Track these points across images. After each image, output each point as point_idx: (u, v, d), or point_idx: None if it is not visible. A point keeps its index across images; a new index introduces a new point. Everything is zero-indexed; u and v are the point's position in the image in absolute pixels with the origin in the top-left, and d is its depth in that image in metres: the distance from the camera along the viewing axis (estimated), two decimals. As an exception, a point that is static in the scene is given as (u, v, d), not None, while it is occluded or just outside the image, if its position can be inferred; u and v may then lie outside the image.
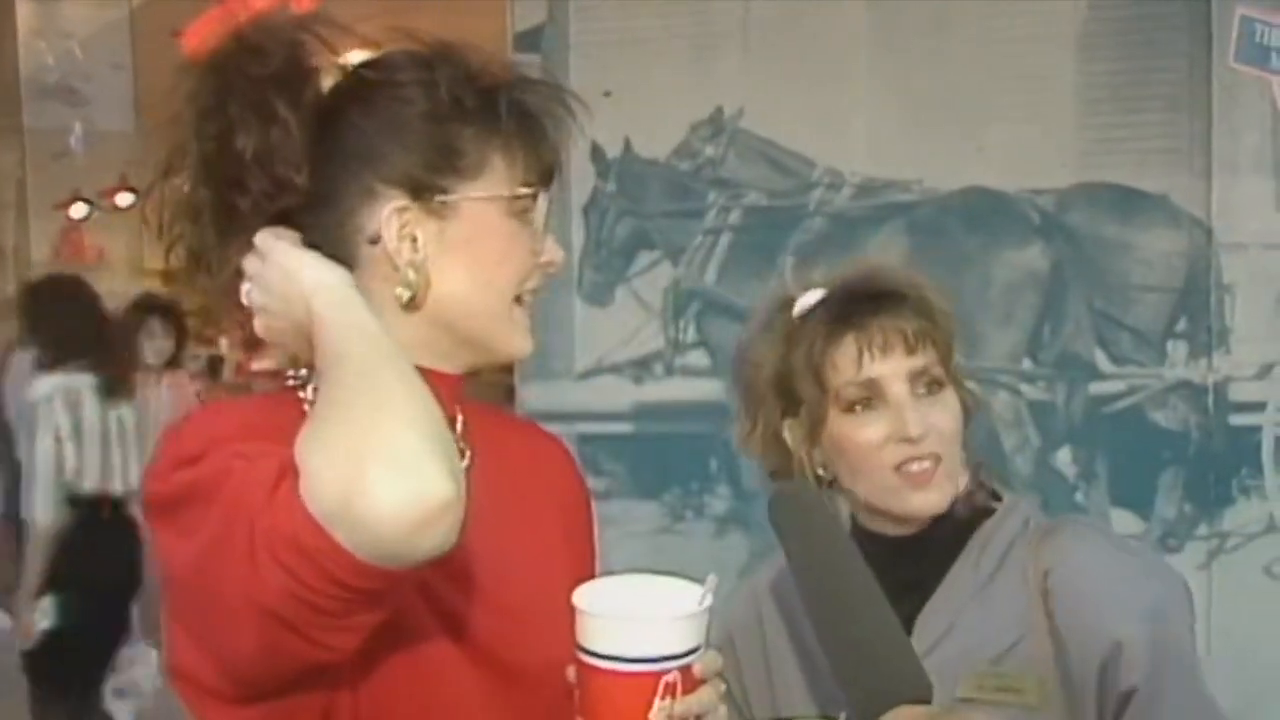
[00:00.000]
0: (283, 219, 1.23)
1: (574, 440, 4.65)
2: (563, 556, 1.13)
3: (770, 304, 1.59)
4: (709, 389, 4.61)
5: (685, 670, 1.06)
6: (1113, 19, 4.29)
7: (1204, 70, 4.20)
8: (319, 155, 1.22)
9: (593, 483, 4.61)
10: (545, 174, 1.26)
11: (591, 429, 4.68)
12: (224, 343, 10.26)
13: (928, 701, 1.25)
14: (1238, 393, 4.30)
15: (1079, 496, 4.40)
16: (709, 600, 1.09)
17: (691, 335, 4.60)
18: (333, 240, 1.23)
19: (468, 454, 1.29)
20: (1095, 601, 1.47)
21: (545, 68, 4.55)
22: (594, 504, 1.45)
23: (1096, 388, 4.39)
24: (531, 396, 4.70)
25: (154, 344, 6.36)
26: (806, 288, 1.57)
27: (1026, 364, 4.43)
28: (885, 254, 4.43)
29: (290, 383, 1.26)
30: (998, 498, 1.59)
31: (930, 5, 4.40)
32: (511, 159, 1.24)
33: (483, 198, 1.24)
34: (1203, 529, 4.31)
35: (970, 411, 1.57)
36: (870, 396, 1.50)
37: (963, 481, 1.55)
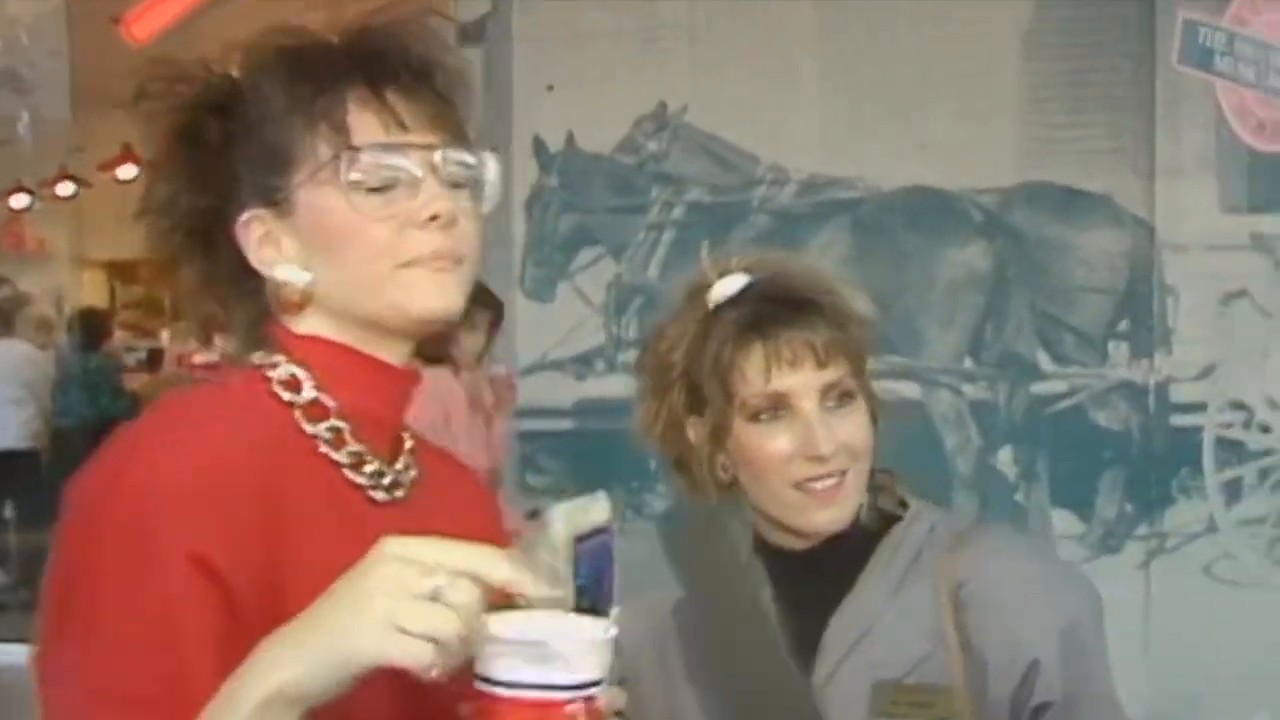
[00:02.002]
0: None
1: (514, 436, 4.62)
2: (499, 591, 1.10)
3: (686, 289, 1.54)
4: (651, 386, 4.57)
5: (589, 701, 1.02)
6: (1057, 20, 4.29)
7: (1148, 71, 4.20)
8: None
9: (533, 479, 4.62)
10: (390, 128, 1.18)
11: (532, 425, 4.64)
12: (165, 335, 10.16)
13: None
14: (1179, 394, 4.31)
15: (1019, 496, 4.40)
16: (614, 630, 1.05)
17: (633, 332, 4.56)
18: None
19: (413, 471, 1.26)
20: (1011, 618, 1.44)
21: (487, 60, 4.51)
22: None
23: (1038, 388, 4.39)
24: (471, 392, 4.65)
25: None
26: (723, 274, 1.51)
27: (968, 363, 4.42)
28: (828, 251, 4.43)
29: (258, 365, 1.22)
30: (905, 505, 1.55)
31: (877, 3, 4.39)
32: (330, 129, 1.18)
33: (305, 182, 1.19)
34: (1143, 529, 4.32)
35: (878, 420, 1.53)
36: (778, 408, 1.46)
37: (868, 493, 1.52)
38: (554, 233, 4.63)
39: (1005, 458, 4.41)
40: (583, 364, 4.57)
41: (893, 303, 4.40)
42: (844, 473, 1.46)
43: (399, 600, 0.97)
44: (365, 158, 1.16)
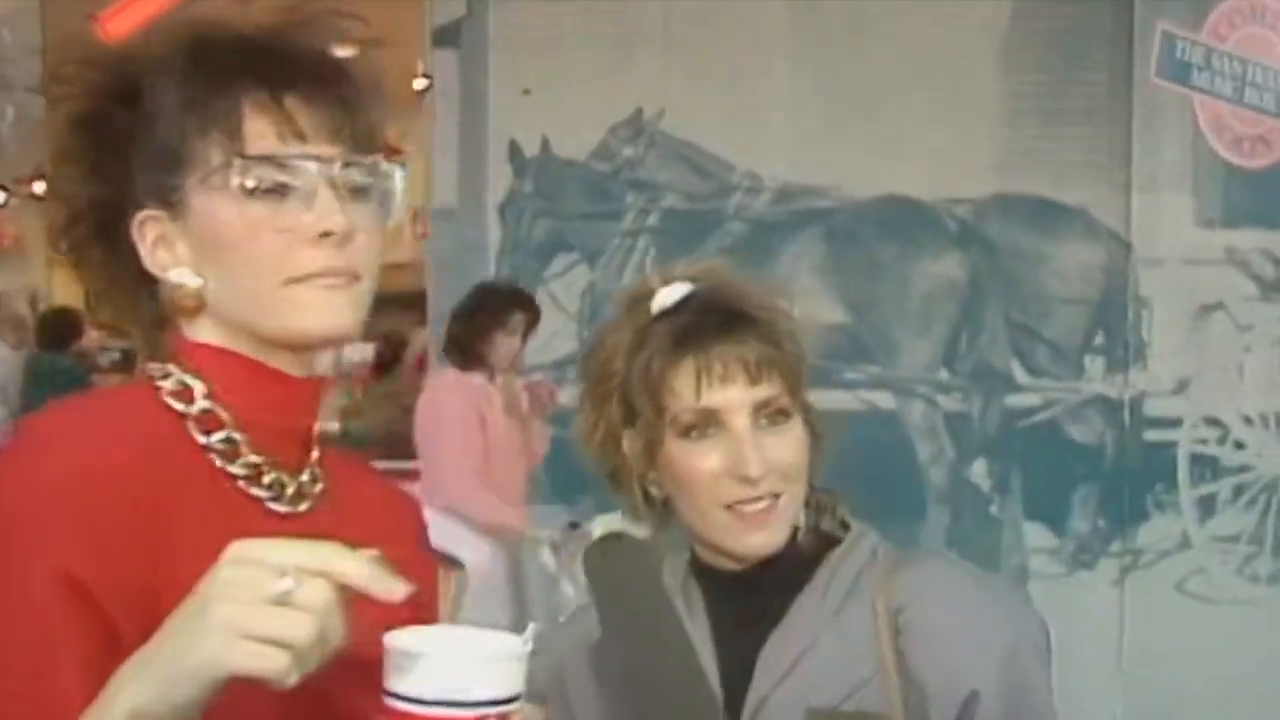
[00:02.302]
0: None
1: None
2: (403, 605, 1.06)
3: (629, 296, 1.50)
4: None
5: (503, 718, 0.99)
6: (1035, 31, 4.27)
7: (1125, 85, 4.19)
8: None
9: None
10: (286, 137, 1.13)
11: (504, 432, 4.61)
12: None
13: None
14: (1154, 408, 4.30)
15: (993, 509, 4.38)
16: (529, 646, 1.02)
17: (607, 339, 4.52)
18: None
19: (320, 484, 1.21)
20: (950, 647, 1.41)
21: (462, 64, 4.49)
22: (435, 569, 1.36)
23: (1012, 400, 4.37)
24: (443, 398, 4.62)
25: None
26: (667, 282, 1.48)
27: (943, 374, 4.40)
28: (802, 260, 4.40)
29: (149, 372, 1.18)
30: (846, 526, 1.51)
31: (853, 12, 4.37)
32: (223, 134, 1.14)
33: (197, 186, 1.15)
34: (1116, 545, 4.30)
35: (820, 439, 1.50)
36: (708, 424, 1.43)
37: (804, 514, 1.48)
38: (528, 238, 4.60)
39: (979, 470, 4.39)
40: (557, 371, 4.53)
41: (867, 312, 4.39)
42: (776, 495, 1.42)
43: (242, 605, 0.92)
44: (257, 167, 1.12)
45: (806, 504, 1.47)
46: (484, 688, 0.97)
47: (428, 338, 5.01)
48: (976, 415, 4.38)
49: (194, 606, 0.94)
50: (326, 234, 1.12)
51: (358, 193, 1.15)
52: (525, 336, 4.26)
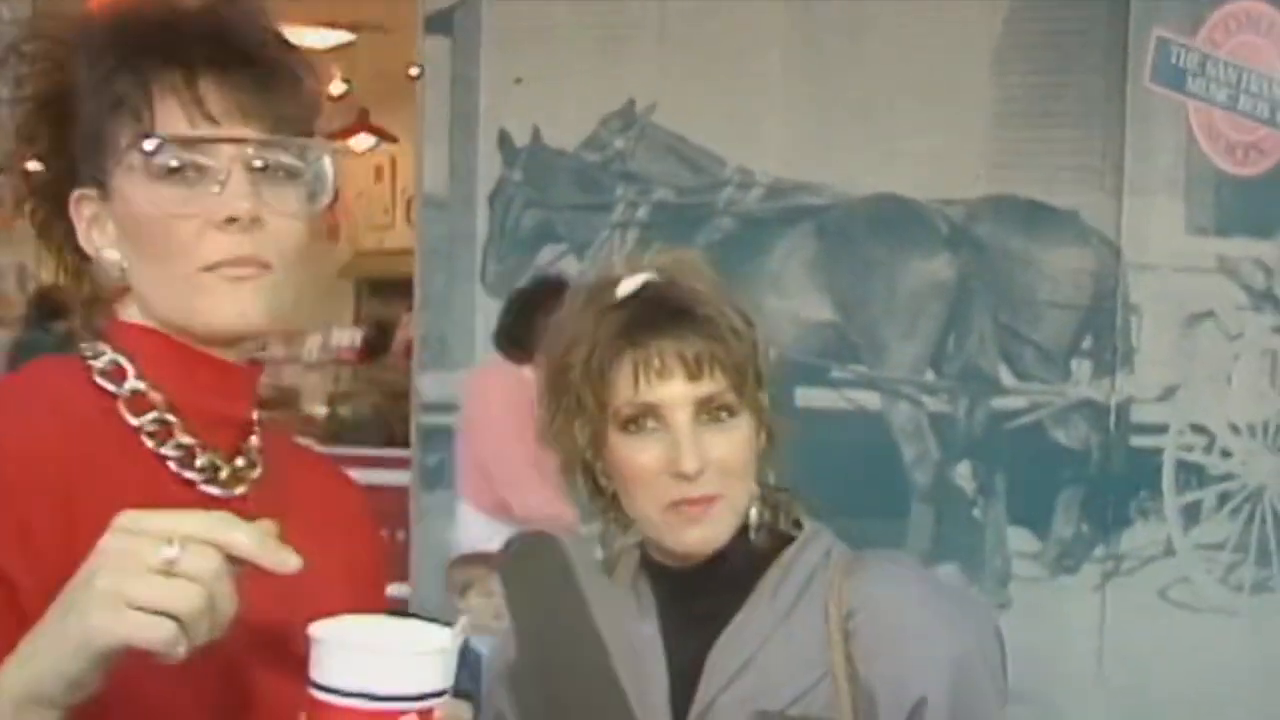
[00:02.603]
0: None
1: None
2: (341, 589, 1.04)
3: (594, 283, 1.48)
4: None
5: (426, 714, 0.97)
6: (1029, 33, 4.25)
7: (1119, 89, 4.17)
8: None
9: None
10: (196, 120, 1.11)
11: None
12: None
13: None
14: (1140, 414, 4.28)
15: (976, 512, 4.36)
16: (459, 640, 1.00)
17: (593, 331, 4.50)
18: None
19: (259, 468, 1.19)
20: (900, 651, 1.39)
21: (454, 52, 4.46)
22: (382, 558, 1.34)
23: (999, 403, 4.35)
24: (427, 387, 4.60)
25: None
26: (634, 270, 1.46)
27: (929, 375, 4.38)
28: (793, 257, 4.38)
29: (81, 350, 1.17)
30: (800, 525, 1.50)
31: (848, 10, 4.35)
32: (131, 115, 1.12)
33: (114, 168, 1.13)
34: (1099, 550, 4.28)
35: (775, 437, 1.48)
36: (647, 418, 1.41)
37: (755, 511, 1.46)
38: (517, 228, 4.57)
39: (964, 472, 4.37)
40: (539, 363, 4.51)
41: (856, 311, 4.37)
42: (716, 494, 1.40)
43: (126, 575, 0.90)
44: (165, 150, 1.09)
45: (763, 502, 1.45)
46: (409, 681, 0.95)
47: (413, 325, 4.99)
48: (962, 417, 4.37)
49: (81, 578, 0.92)
50: (231, 219, 1.10)
51: (283, 177, 1.12)
52: None
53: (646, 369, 1.39)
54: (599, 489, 1.47)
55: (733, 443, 1.41)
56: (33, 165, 1.20)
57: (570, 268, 4.54)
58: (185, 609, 0.90)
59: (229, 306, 1.11)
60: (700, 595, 1.44)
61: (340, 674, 0.95)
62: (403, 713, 0.95)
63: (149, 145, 1.09)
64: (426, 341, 4.61)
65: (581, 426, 1.43)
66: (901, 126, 4.27)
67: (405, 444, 4.81)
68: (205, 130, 1.10)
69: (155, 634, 0.90)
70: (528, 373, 4.11)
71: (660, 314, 1.40)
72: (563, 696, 1.17)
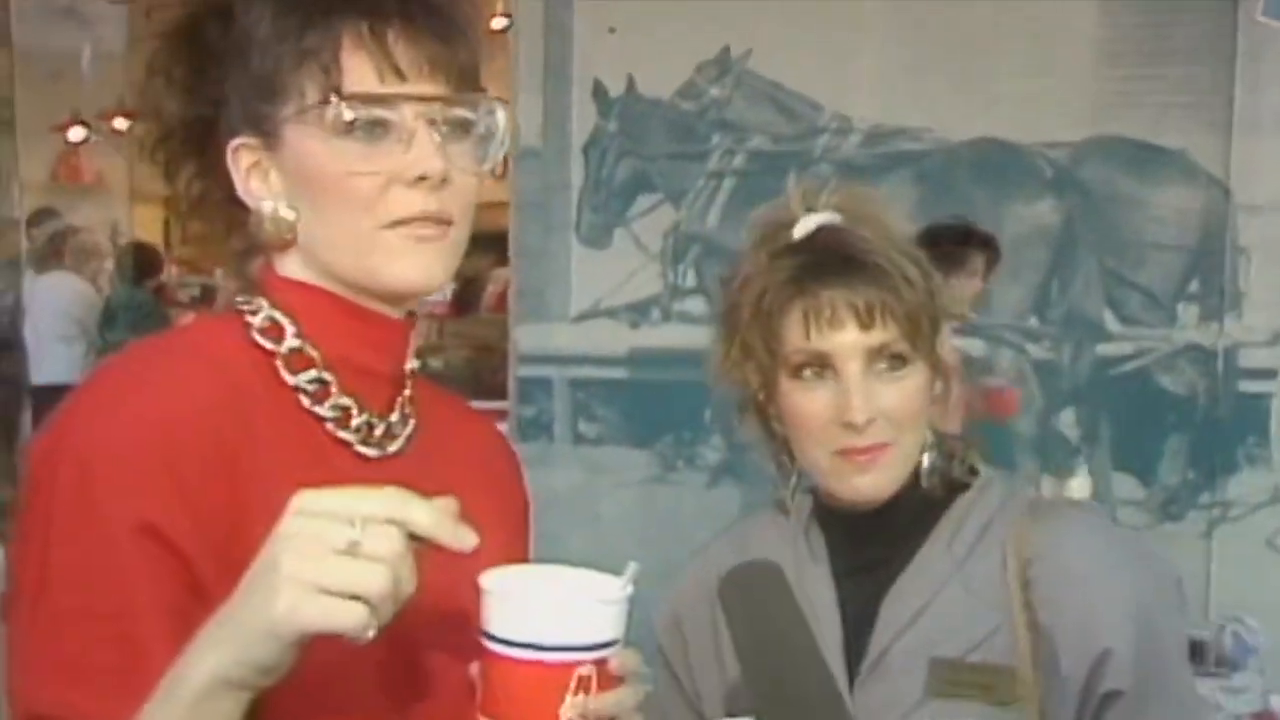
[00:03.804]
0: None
1: (566, 385, 4.57)
2: (496, 538, 1.03)
3: (769, 220, 1.46)
4: (706, 336, 4.47)
5: (601, 664, 0.96)
6: (1136, -32, 4.16)
7: (1229, 23, 4.06)
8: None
9: (584, 428, 4.58)
10: (385, 75, 1.08)
11: (585, 374, 4.58)
12: (219, 273, 10.16)
13: None
14: (1248, 359, 4.20)
15: (1081, 459, 4.31)
16: (630, 589, 0.99)
17: (690, 280, 4.49)
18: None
19: (412, 422, 1.18)
20: (1084, 601, 1.36)
21: (546, 2, 4.43)
22: (530, 509, 1.33)
23: (1103, 349, 4.29)
24: (524, 338, 4.60)
25: None
26: (810, 208, 1.43)
27: (1033, 321, 4.33)
28: (892, 204, 4.32)
29: (239, 306, 1.15)
30: (975, 472, 1.47)
31: (947, -50, 4.27)
32: (319, 69, 1.09)
33: (291, 119, 1.10)
34: (1205, 497, 4.22)
35: (950, 382, 1.45)
36: (820, 366, 1.39)
37: (929, 458, 1.43)
38: (612, 178, 4.55)
39: (1068, 419, 4.32)
40: (638, 313, 4.50)
41: (957, 258, 4.31)
42: (886, 443, 1.38)
43: (311, 559, 0.89)
44: (355, 106, 1.07)
45: (936, 449, 1.43)
46: (584, 631, 0.94)
47: (508, 277, 4.98)
48: (1066, 363, 4.31)
49: (264, 563, 0.92)
50: (423, 178, 1.08)
51: (457, 131, 1.10)
52: (985, 277, 3.98)
53: (818, 318, 1.37)
54: (771, 431, 1.45)
55: (904, 392, 1.39)
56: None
57: (665, 217, 4.51)
58: (373, 590, 0.89)
59: (414, 267, 1.10)
60: (872, 542, 1.43)
61: (515, 625, 0.94)
62: (579, 663, 0.94)
63: (342, 106, 1.07)
64: (522, 293, 4.60)
65: (753, 369, 1.42)
66: (1002, 68, 4.20)
67: (496, 395, 4.81)
68: (394, 87, 1.08)
69: (346, 618, 0.89)
70: None
71: (832, 261, 1.38)
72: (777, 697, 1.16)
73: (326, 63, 1.08)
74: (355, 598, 0.89)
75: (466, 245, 1.14)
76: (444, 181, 1.09)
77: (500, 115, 1.14)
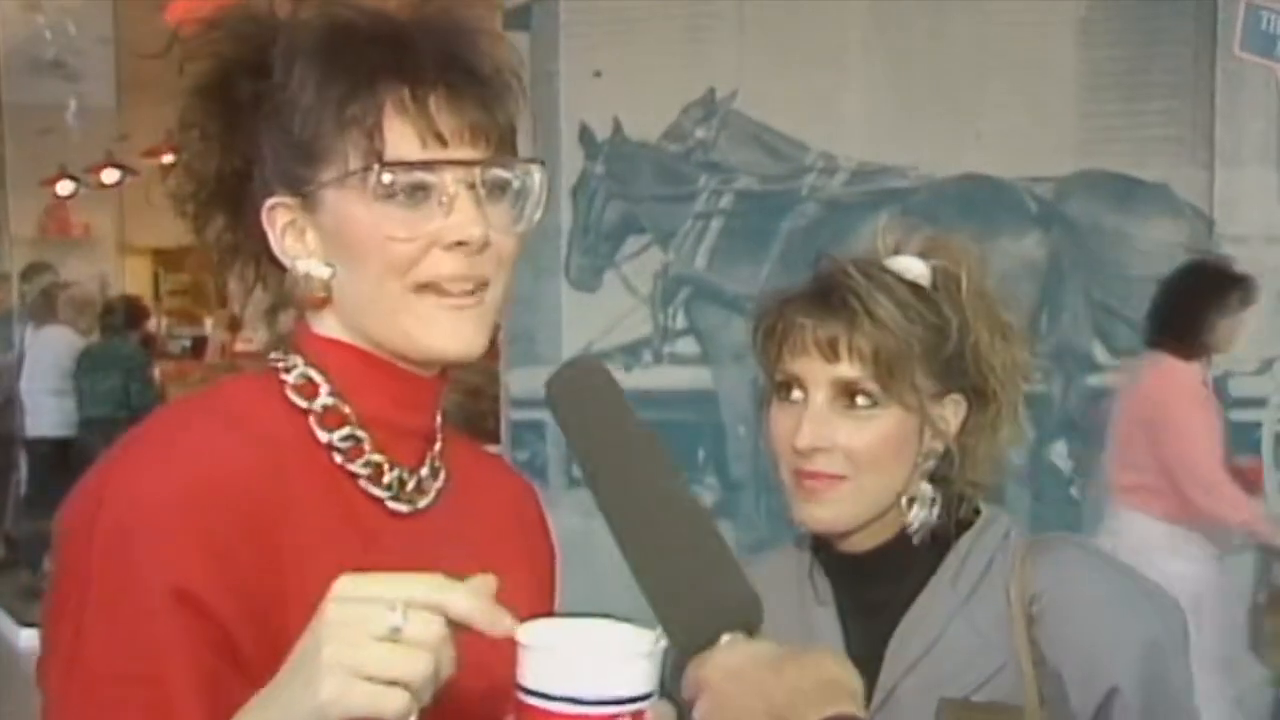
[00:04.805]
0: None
1: (559, 428, 4.56)
2: (526, 590, 1.03)
3: (859, 258, 1.48)
4: (698, 377, 4.52)
5: (638, 716, 0.96)
6: (1115, 5, 4.21)
7: (1208, 58, 4.11)
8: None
9: (579, 471, 4.60)
10: (427, 141, 1.09)
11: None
12: (209, 323, 10.15)
13: (756, 622, 1.10)
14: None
15: (1074, 491, 4.32)
16: (663, 642, 0.99)
17: (680, 322, 4.51)
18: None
19: (442, 474, 1.18)
20: (1090, 639, 1.37)
21: (533, 47, 4.46)
22: (555, 555, 1.33)
23: (1094, 380, 4.31)
24: (516, 382, 4.61)
25: None
26: (897, 250, 1.45)
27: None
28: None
29: (273, 363, 1.16)
30: (978, 511, 1.48)
31: (928, -11, 4.32)
32: (363, 135, 1.10)
33: (332, 183, 1.09)
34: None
35: (946, 435, 1.45)
36: (792, 388, 1.42)
37: (918, 513, 1.43)
38: (600, 221, 4.57)
39: (1060, 451, 4.33)
40: (629, 354, 4.51)
41: (945, 294, 4.33)
42: (840, 476, 1.39)
43: (353, 646, 0.89)
44: (397, 172, 1.07)
45: (932, 504, 1.43)
46: (619, 685, 0.95)
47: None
48: (1057, 396, 4.33)
49: (307, 649, 0.92)
50: (462, 243, 1.09)
51: (495, 192, 1.10)
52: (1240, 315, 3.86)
53: (789, 343, 1.40)
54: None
55: (867, 431, 1.39)
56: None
57: (654, 259, 4.54)
58: (415, 677, 0.89)
59: (454, 337, 1.10)
60: (876, 582, 1.43)
61: (553, 679, 0.94)
62: (617, 716, 0.94)
63: (384, 174, 1.07)
64: (513, 338, 4.61)
65: (766, 391, 1.46)
66: (987, 105, 4.24)
67: (488, 439, 4.82)
68: (436, 153, 1.08)
69: (389, 705, 0.89)
70: (1197, 367, 3.79)
71: (814, 292, 1.41)
72: (628, 505, 1.13)
73: (370, 129, 1.07)
74: (396, 683, 0.90)
75: (504, 301, 1.14)
76: (482, 247, 1.09)
77: (538, 176, 1.13)
